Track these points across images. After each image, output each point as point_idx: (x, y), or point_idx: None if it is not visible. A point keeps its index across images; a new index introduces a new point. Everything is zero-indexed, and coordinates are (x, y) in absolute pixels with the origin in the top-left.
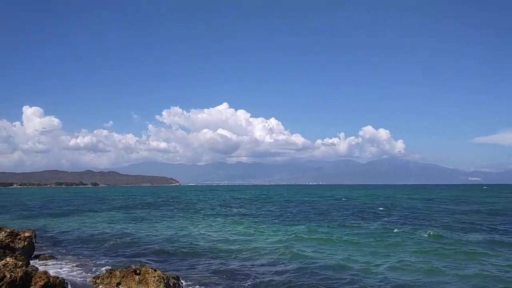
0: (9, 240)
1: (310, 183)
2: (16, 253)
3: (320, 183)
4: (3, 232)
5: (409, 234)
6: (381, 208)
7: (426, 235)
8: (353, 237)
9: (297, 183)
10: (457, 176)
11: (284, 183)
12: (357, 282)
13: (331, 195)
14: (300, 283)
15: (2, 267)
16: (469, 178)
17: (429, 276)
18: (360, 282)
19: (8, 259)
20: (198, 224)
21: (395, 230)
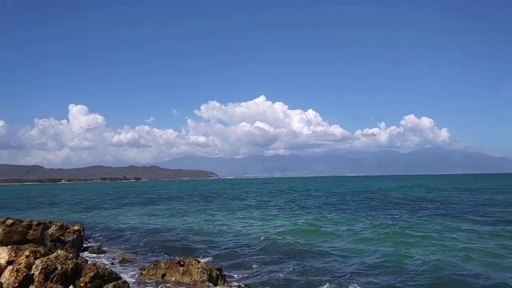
0: (60, 233)
1: (349, 175)
2: (66, 245)
3: (360, 174)
4: (53, 226)
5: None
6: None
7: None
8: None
9: (335, 175)
10: (505, 164)
11: (323, 175)
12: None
13: (365, 186)
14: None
15: (53, 259)
16: None
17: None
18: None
19: (59, 251)
20: (240, 217)
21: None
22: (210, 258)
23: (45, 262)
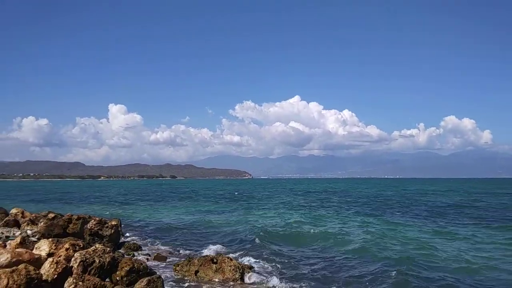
0: (98, 228)
1: (386, 177)
2: (104, 240)
3: (398, 176)
4: (92, 221)
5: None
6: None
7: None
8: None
9: (371, 177)
10: None
11: (358, 176)
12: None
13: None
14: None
15: (92, 252)
16: None
17: None
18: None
19: (97, 245)
20: (270, 216)
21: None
22: (242, 256)
23: (84, 255)
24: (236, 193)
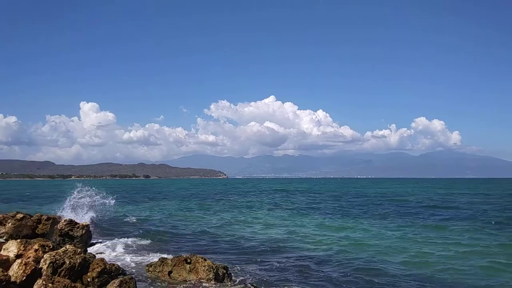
0: (68, 228)
1: (358, 177)
2: (75, 241)
3: (370, 176)
4: (63, 221)
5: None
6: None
7: None
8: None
9: (344, 176)
10: None
11: (332, 176)
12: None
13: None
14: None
15: (62, 253)
16: None
17: None
18: None
19: (67, 246)
20: (248, 217)
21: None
22: (217, 256)
23: (54, 256)
24: (197, 193)
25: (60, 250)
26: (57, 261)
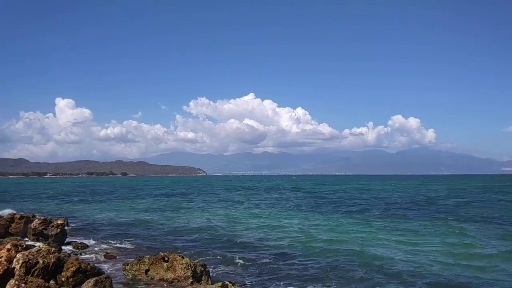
0: (43, 227)
1: (337, 173)
2: (49, 240)
3: (348, 173)
4: (36, 220)
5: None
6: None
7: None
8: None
9: (323, 173)
10: (490, 166)
11: (311, 173)
12: None
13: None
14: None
15: (35, 253)
16: (503, 168)
17: None
18: None
19: (41, 245)
20: (227, 215)
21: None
22: (195, 254)
23: (27, 256)
24: (174, 191)
25: (34, 250)
26: (30, 261)
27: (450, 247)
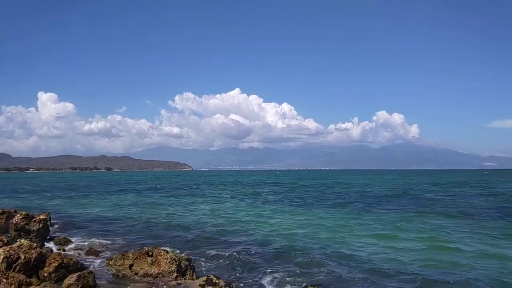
0: (24, 222)
1: (322, 168)
2: (31, 235)
3: (333, 168)
4: (18, 215)
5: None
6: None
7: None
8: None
9: (308, 168)
10: (472, 161)
11: (296, 168)
12: None
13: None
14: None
15: (16, 248)
16: (484, 163)
17: None
18: None
19: (23, 240)
20: (212, 210)
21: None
22: (179, 249)
23: (8, 251)
24: (158, 186)
25: (15, 245)
26: (11, 256)
27: (425, 241)
